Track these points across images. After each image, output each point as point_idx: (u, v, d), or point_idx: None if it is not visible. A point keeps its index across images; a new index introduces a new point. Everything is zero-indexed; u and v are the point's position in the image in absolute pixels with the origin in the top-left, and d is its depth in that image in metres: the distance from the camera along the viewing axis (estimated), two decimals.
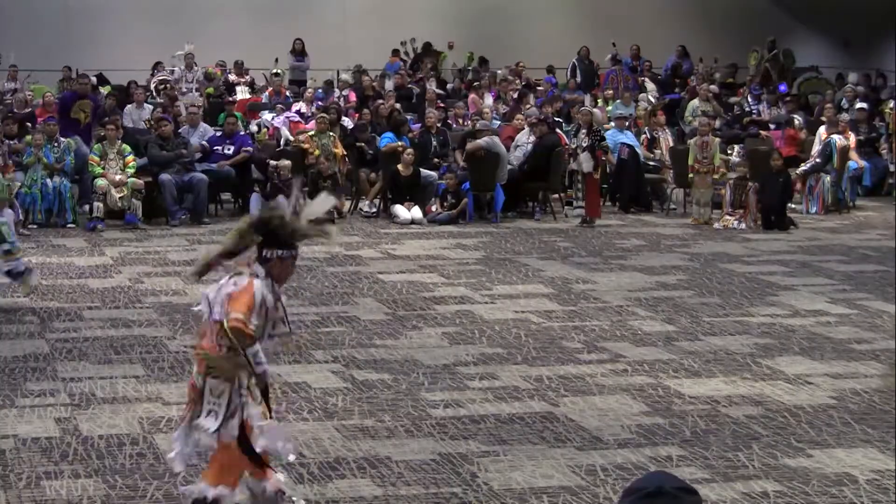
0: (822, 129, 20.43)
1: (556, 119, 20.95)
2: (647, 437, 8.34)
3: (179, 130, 19.11)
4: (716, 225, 17.75)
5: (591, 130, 17.83)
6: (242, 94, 24.58)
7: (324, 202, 6.74)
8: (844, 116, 21.23)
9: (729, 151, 19.84)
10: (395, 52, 27.83)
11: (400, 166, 18.10)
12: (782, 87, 26.46)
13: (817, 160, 19.51)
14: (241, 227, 6.49)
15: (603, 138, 17.99)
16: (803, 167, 19.69)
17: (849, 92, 24.50)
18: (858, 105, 22.94)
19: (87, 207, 17.63)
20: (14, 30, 27.60)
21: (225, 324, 6.21)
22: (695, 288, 13.38)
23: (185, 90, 23.69)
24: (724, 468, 7.77)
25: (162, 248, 15.53)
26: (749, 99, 24.98)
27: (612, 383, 9.63)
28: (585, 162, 17.60)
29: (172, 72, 25.31)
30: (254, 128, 20.26)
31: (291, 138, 20.31)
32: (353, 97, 23.57)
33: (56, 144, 17.69)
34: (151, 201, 17.72)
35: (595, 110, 19.54)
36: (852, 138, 20.28)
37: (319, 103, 22.45)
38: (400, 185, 18.14)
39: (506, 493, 7.33)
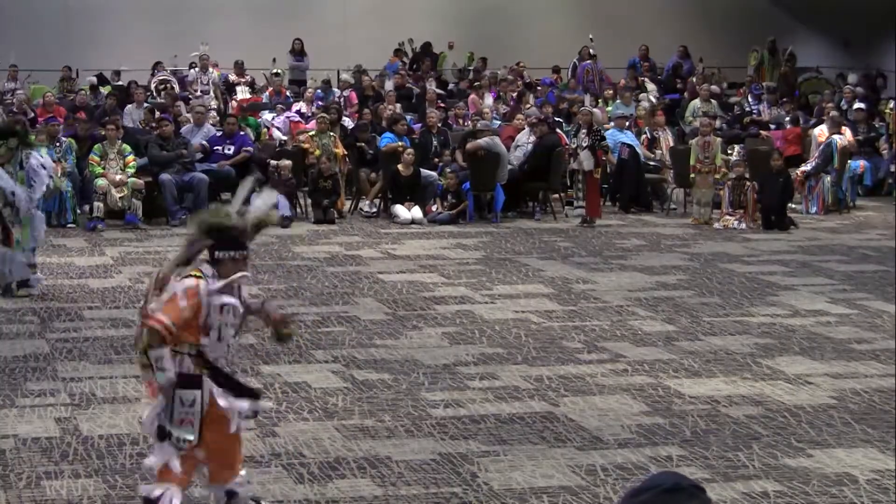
0: (819, 129, 20.42)
1: (556, 119, 20.95)
2: (648, 437, 8.34)
3: (182, 130, 19.11)
4: (716, 225, 17.76)
5: (591, 130, 17.84)
6: (242, 93, 24.57)
7: (267, 198, 6.71)
8: (834, 115, 21.17)
9: (729, 151, 19.84)
10: (397, 52, 27.80)
11: (400, 166, 18.10)
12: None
13: (818, 160, 19.49)
14: (191, 234, 6.47)
15: (603, 138, 17.99)
16: (804, 167, 19.68)
17: (847, 93, 24.48)
18: (857, 105, 22.92)
19: (87, 207, 17.64)
20: (14, 30, 27.59)
21: (146, 321, 6.18)
22: (695, 288, 13.38)
23: (199, 93, 23.26)
24: (724, 468, 7.77)
25: (162, 248, 15.52)
26: (749, 99, 24.95)
27: (613, 383, 9.63)
28: (586, 161, 17.62)
29: (175, 70, 25.27)
30: None
31: (285, 139, 20.30)
32: (353, 98, 23.52)
33: (58, 144, 17.71)
34: (152, 201, 17.72)
35: (595, 110, 19.55)
36: (848, 133, 20.22)
37: (319, 103, 22.45)
38: (400, 185, 18.14)
39: (506, 493, 7.33)
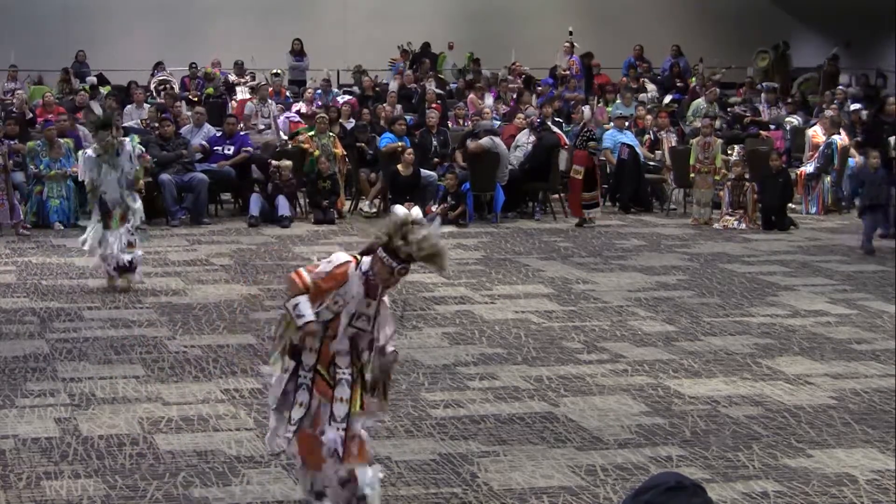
0: (813, 130, 20.37)
1: (557, 119, 20.94)
2: (648, 438, 8.34)
3: (182, 130, 19.11)
4: (716, 225, 17.76)
5: (581, 130, 17.94)
6: (242, 94, 24.55)
7: (437, 229, 6.55)
8: (833, 114, 21.15)
9: (729, 151, 19.84)
10: (404, 52, 27.73)
11: (400, 166, 18.10)
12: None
13: (819, 162, 19.41)
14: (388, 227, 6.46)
15: (590, 138, 17.95)
16: (805, 168, 19.63)
17: (840, 93, 24.41)
18: (854, 106, 22.85)
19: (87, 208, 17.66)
20: (14, 30, 27.61)
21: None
22: (695, 288, 13.38)
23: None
24: (724, 468, 7.77)
25: (162, 248, 15.53)
26: (763, 97, 24.94)
27: (612, 383, 9.63)
28: (563, 160, 17.90)
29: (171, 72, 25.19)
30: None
31: (285, 138, 20.27)
32: (355, 103, 23.20)
33: (59, 148, 17.73)
34: (152, 201, 17.67)
35: (585, 108, 19.45)
36: (843, 134, 20.19)
37: (319, 103, 22.42)
38: (400, 185, 18.13)
39: (506, 494, 7.32)
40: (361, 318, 6.50)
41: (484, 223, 17.88)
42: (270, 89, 24.12)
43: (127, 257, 12.94)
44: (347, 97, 23.45)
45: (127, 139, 13.21)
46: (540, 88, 25.32)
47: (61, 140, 17.94)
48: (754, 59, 28.45)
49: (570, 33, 26.32)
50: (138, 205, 13.12)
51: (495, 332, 11.28)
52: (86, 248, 13.14)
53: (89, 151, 13.29)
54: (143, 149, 13.64)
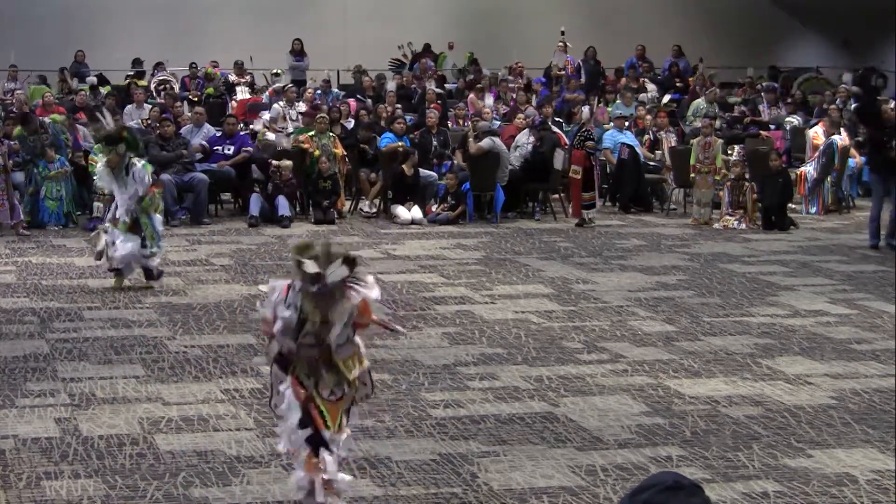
0: (814, 130, 20.37)
1: (557, 119, 20.93)
2: (648, 438, 8.34)
3: (182, 130, 19.11)
4: (716, 225, 17.77)
5: (579, 129, 17.95)
6: (242, 94, 24.54)
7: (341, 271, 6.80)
8: (833, 114, 21.12)
9: (729, 151, 19.83)
10: (418, 54, 27.65)
11: (404, 166, 18.11)
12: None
13: (821, 162, 19.38)
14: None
15: (588, 138, 17.94)
16: (807, 169, 19.59)
17: (842, 92, 24.42)
18: (855, 106, 22.88)
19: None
20: (14, 30, 27.61)
21: None
22: (695, 288, 13.38)
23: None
24: (724, 468, 7.77)
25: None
26: (764, 96, 24.93)
27: (613, 383, 9.63)
28: (557, 160, 17.85)
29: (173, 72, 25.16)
30: (257, 127, 20.25)
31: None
32: (353, 106, 23.13)
33: (43, 132, 17.67)
34: None
35: (585, 108, 19.44)
36: (844, 134, 20.19)
37: (318, 102, 22.40)
38: (403, 185, 18.14)
39: (506, 494, 7.32)
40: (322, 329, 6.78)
41: (484, 223, 17.88)
42: (270, 89, 24.09)
43: (154, 263, 13.07)
44: (349, 99, 23.45)
45: (139, 164, 13.03)
46: (534, 87, 25.29)
47: (47, 120, 17.93)
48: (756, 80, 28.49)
49: (563, 33, 26.28)
50: (155, 223, 13.05)
51: (495, 332, 11.28)
52: (98, 248, 13.12)
53: (102, 162, 13.26)
54: (155, 177, 13.56)
